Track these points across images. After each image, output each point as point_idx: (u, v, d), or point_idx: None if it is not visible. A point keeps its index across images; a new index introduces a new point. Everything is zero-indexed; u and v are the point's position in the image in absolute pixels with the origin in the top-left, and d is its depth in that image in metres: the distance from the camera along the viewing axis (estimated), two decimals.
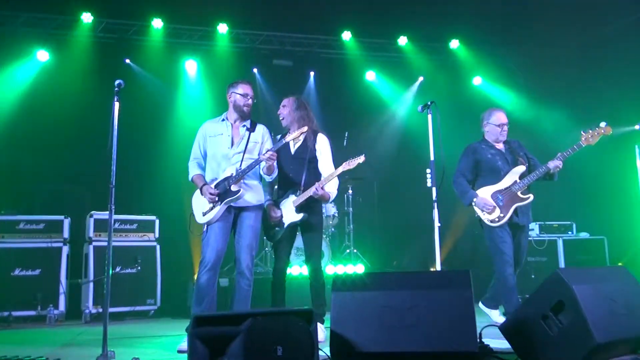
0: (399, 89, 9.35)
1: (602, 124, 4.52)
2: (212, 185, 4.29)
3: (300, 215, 4.45)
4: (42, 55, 7.64)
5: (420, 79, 9.30)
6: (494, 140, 4.92)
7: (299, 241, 6.53)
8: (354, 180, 7.62)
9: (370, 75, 9.23)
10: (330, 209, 7.25)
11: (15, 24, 7.51)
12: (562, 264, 7.05)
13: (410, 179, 8.23)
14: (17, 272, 5.80)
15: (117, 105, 3.77)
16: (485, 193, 4.77)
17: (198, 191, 4.38)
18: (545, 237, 7.14)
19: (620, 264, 7.26)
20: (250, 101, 4.40)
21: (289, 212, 4.49)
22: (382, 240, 8.48)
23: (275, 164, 4.29)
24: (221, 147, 4.35)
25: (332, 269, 6.89)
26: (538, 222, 7.23)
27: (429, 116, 4.45)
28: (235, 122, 4.44)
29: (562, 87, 8.12)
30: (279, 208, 4.54)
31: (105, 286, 3.57)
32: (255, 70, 8.83)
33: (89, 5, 7.59)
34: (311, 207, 4.50)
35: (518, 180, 4.70)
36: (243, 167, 4.24)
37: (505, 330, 3.23)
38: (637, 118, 4.88)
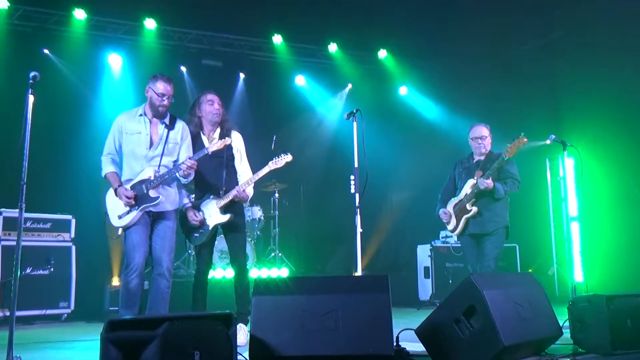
0: (328, 95, 9.48)
1: (521, 135, 4.70)
2: (129, 187, 4.12)
3: (227, 216, 4.38)
4: None
5: (349, 86, 9.46)
6: (476, 154, 5.03)
7: (222, 244, 6.45)
8: (281, 183, 7.64)
9: (300, 80, 9.29)
10: (256, 212, 7.23)
11: None
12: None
13: (336, 184, 8.34)
14: None
15: (31, 98, 3.57)
16: (449, 205, 5.02)
17: (112, 191, 4.18)
18: None
19: (530, 270, 7.70)
20: (166, 102, 4.17)
21: (212, 213, 4.41)
22: (308, 245, 8.54)
23: (192, 174, 4.19)
24: (139, 147, 4.16)
25: (256, 272, 6.85)
26: None
27: (354, 124, 4.52)
28: (153, 117, 4.25)
29: (479, 101, 8.52)
30: (200, 210, 4.44)
31: (12, 288, 3.37)
32: (183, 68, 8.65)
33: None
34: (235, 207, 4.46)
35: (468, 193, 4.84)
36: (161, 170, 4.12)
37: (421, 333, 3.34)
38: (547, 133, 5.22)
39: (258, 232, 7.54)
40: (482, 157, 4.98)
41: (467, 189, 4.88)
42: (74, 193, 6.94)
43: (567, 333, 3.67)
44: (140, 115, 4.24)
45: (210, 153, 4.19)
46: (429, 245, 7.41)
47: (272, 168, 4.41)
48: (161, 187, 4.14)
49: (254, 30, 8.59)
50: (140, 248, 4.06)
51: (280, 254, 7.57)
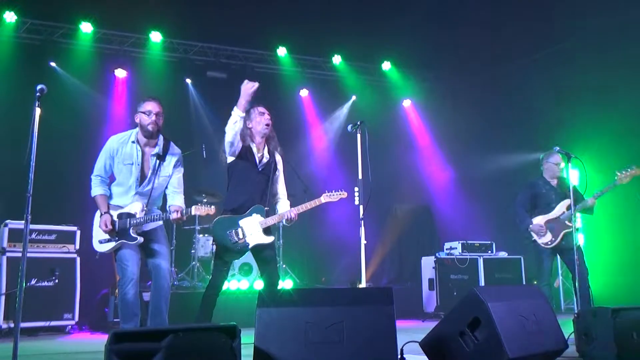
0: (332, 107, 9.51)
1: (634, 166, 5.19)
2: (115, 215, 4.12)
3: (271, 238, 4.29)
4: None
5: (353, 98, 9.50)
6: (550, 177, 5.65)
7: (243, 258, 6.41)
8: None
9: (304, 92, 9.32)
10: None
11: None
12: (482, 282, 7.33)
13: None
14: None
15: (38, 111, 3.61)
16: (539, 220, 5.53)
17: (97, 214, 4.19)
18: (467, 255, 7.42)
19: (535, 282, 7.65)
20: (154, 117, 4.14)
21: (255, 232, 4.25)
22: (312, 256, 8.53)
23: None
24: (129, 180, 4.16)
25: (260, 284, 6.83)
26: (461, 241, 7.51)
27: (358, 135, 4.53)
28: (145, 147, 4.21)
29: (481, 112, 8.54)
30: (238, 227, 4.25)
31: (17, 299, 3.38)
32: (188, 80, 8.71)
33: (13, 4, 7.27)
34: (271, 230, 4.39)
35: (565, 211, 5.44)
36: (149, 207, 4.17)
37: (425, 346, 3.32)
38: (551, 144, 5.29)
39: None
40: (556, 180, 5.63)
41: (562, 207, 5.49)
42: (79, 204, 6.93)
43: (572, 346, 3.65)
44: (133, 142, 4.21)
45: (194, 214, 4.15)
46: (434, 257, 7.39)
47: (324, 202, 4.38)
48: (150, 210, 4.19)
49: (259, 43, 8.66)
50: (133, 257, 4.06)
51: (284, 266, 7.54)
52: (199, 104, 8.74)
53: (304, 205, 4.42)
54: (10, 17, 7.29)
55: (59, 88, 7.39)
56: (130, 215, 4.10)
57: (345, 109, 9.53)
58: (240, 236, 4.23)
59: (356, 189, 4.39)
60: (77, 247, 6.20)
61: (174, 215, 4.09)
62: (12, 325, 5.52)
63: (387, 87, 9.47)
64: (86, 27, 7.70)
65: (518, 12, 7.52)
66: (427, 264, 7.52)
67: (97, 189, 4.21)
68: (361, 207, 4.35)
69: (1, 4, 7.19)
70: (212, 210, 4.20)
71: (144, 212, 4.14)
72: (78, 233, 6.23)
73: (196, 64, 8.66)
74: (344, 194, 4.42)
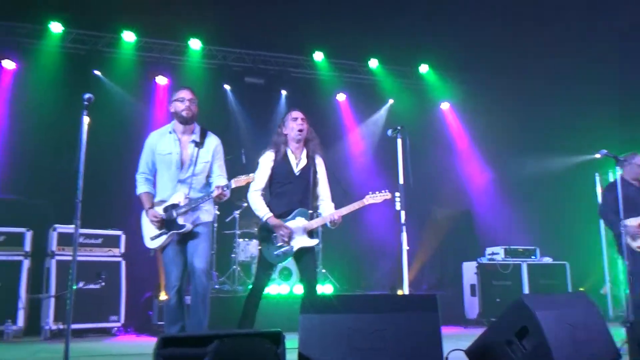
0: (370, 111, 9.47)
1: None
2: (161, 209, 4.13)
3: (315, 241, 4.32)
4: (9, 65, 7.50)
5: (390, 101, 9.44)
6: (632, 178, 5.67)
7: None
8: None
9: (341, 97, 9.33)
10: None
11: None
12: (525, 288, 7.16)
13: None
14: None
15: (86, 119, 3.72)
16: (633, 222, 5.42)
17: (144, 212, 4.22)
18: (510, 261, 7.27)
19: (582, 289, 7.44)
20: (187, 103, 4.14)
21: (299, 235, 4.29)
22: (351, 261, 8.50)
23: (228, 192, 4.14)
24: (170, 169, 4.16)
25: (300, 288, 6.85)
26: (503, 246, 7.36)
27: (399, 140, 4.49)
28: (183, 135, 4.21)
29: (522, 115, 8.37)
30: (287, 227, 4.30)
31: (67, 301, 3.48)
32: (226, 87, 8.82)
33: (59, 15, 7.50)
34: (317, 233, 4.47)
35: None
36: (192, 194, 4.11)
37: (471, 354, 3.27)
38: (596, 147, 5.14)
39: None
40: (637, 183, 5.67)
41: None
42: (123, 209, 7.10)
43: (625, 356, 3.53)
44: (170, 132, 4.23)
45: (233, 186, 4.08)
46: (475, 262, 7.26)
47: (368, 203, 4.36)
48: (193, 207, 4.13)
49: (295, 48, 8.70)
50: (176, 262, 4.07)
51: (323, 270, 7.54)
52: (237, 109, 8.84)
53: (347, 207, 4.39)
54: (56, 27, 7.53)
55: (103, 96, 7.57)
56: (174, 206, 4.09)
57: (382, 112, 9.48)
58: (286, 239, 4.26)
59: (397, 194, 4.35)
60: (122, 250, 6.35)
61: (215, 193, 4.02)
62: (61, 326, 5.70)
63: (425, 90, 9.38)
64: (128, 36, 7.90)
65: (559, 12, 7.35)
66: (469, 269, 7.40)
67: (141, 187, 4.25)
68: (402, 212, 4.31)
69: (48, 15, 7.43)
70: (251, 177, 4.13)
71: (187, 199, 4.10)
72: (123, 237, 6.39)
73: (234, 70, 8.76)
74: (388, 195, 4.37)
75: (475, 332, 3.38)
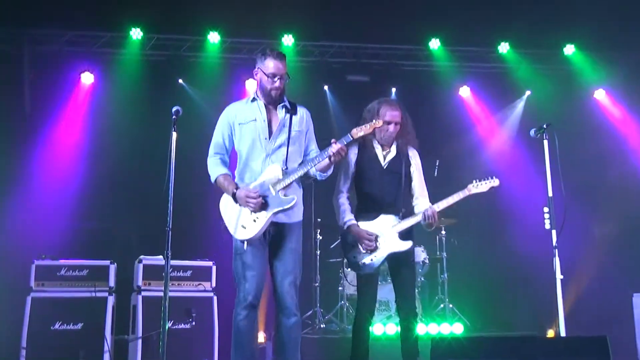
0: (501, 106, 9.27)
1: None
2: (251, 187, 3.96)
3: (409, 244, 4.29)
4: (87, 78, 8.16)
5: (528, 92, 9.18)
6: None
7: (379, 293, 6.48)
8: (448, 218, 7.51)
9: (465, 91, 9.18)
10: (419, 254, 7.17)
11: (60, 43, 8.06)
12: None
13: (519, 218, 8.06)
14: (57, 325, 6.03)
15: (174, 135, 3.94)
16: None
17: (227, 198, 4.06)
18: None
19: None
20: (278, 83, 4.02)
21: (388, 238, 4.31)
22: (485, 294, 8.26)
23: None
24: (256, 139, 4.02)
25: (423, 328, 6.77)
26: None
27: (545, 142, 4.36)
28: (269, 103, 4.12)
29: None
30: (370, 234, 4.35)
31: (160, 344, 3.67)
32: (326, 87, 8.99)
33: (137, 19, 8.03)
34: (411, 235, 4.39)
35: None
36: (291, 165, 3.97)
37: None
38: None
39: (422, 278, 7.47)
40: None
41: None
42: (212, 236, 7.42)
43: None
44: (253, 100, 4.13)
45: (353, 138, 3.97)
46: None
47: (472, 193, 4.33)
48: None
49: (406, 36, 8.68)
50: (253, 271, 3.92)
51: (450, 305, 7.41)
52: (339, 113, 8.96)
53: (446, 199, 4.34)
54: (136, 34, 8.09)
55: (189, 106, 7.95)
56: (269, 182, 3.94)
57: (518, 107, 9.22)
58: (370, 249, 4.28)
59: (546, 209, 4.22)
60: (214, 284, 6.58)
61: (333, 148, 3.84)
62: None
63: (572, 76, 8.98)
64: (213, 37, 8.29)
65: None
66: None
67: (217, 169, 4.10)
68: (553, 232, 4.17)
69: (125, 21, 7.99)
70: (378, 123, 3.99)
71: (285, 175, 3.95)
72: (214, 269, 6.62)
73: (334, 68, 8.91)
74: (496, 182, 4.28)
75: None
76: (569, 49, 8.87)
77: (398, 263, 4.40)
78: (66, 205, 7.60)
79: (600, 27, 8.01)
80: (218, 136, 4.18)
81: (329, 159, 3.90)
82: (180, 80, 8.44)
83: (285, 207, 3.90)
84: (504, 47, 8.84)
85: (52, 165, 7.70)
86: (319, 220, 7.53)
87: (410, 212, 4.42)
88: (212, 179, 4.15)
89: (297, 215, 4.09)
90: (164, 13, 7.82)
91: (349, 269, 7.34)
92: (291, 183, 3.94)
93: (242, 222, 3.95)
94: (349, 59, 8.87)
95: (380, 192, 4.43)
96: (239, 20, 7.96)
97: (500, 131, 9.22)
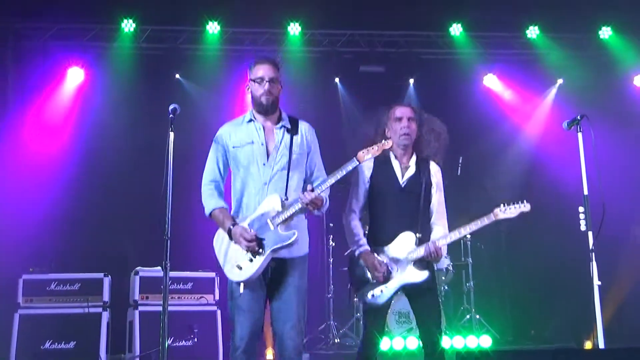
0: (530, 96, 9.25)
1: None
2: (246, 224, 3.87)
3: (425, 274, 4.21)
4: (75, 74, 8.19)
5: (560, 81, 9.15)
6: None
7: (400, 304, 6.43)
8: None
9: (490, 80, 9.18)
10: (442, 261, 7.17)
11: (46, 37, 8.11)
12: None
13: (552, 219, 8.02)
14: (47, 345, 6.06)
15: (171, 135, 3.96)
16: None
17: (222, 233, 3.99)
18: None
19: None
20: (267, 86, 3.94)
21: (402, 267, 4.26)
22: (514, 303, 8.26)
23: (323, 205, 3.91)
24: (253, 164, 3.94)
25: (447, 341, 6.76)
26: None
27: (579, 135, 4.34)
28: (266, 122, 4.05)
29: None
30: (383, 265, 4.29)
31: None
32: (337, 80, 8.99)
33: (129, 10, 8.07)
34: (432, 263, 4.32)
35: None
36: (291, 196, 3.87)
37: None
38: None
39: (446, 287, 7.47)
40: None
41: None
42: (212, 245, 7.44)
43: None
44: (249, 121, 4.07)
45: (360, 162, 3.89)
46: None
47: (500, 218, 4.22)
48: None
49: (424, 22, 8.68)
50: (249, 315, 3.85)
51: (477, 316, 7.42)
52: (351, 107, 8.96)
53: (467, 226, 4.21)
54: (128, 26, 8.11)
55: (188, 104, 7.97)
56: (266, 215, 3.85)
57: (549, 96, 9.20)
58: (381, 280, 4.21)
59: (581, 209, 4.19)
60: (217, 297, 6.60)
61: (306, 197, 3.74)
62: None
63: (609, 61, 8.94)
64: (213, 27, 8.31)
65: None
66: None
67: (211, 201, 4.04)
68: (590, 234, 4.14)
69: (117, 12, 8.01)
70: (386, 144, 3.92)
71: (284, 206, 3.84)
72: (217, 280, 6.62)
73: (345, 58, 8.90)
74: (527, 207, 4.17)
75: None
76: (605, 32, 8.84)
77: (415, 293, 4.32)
78: (55, 213, 7.62)
79: (639, 6, 7.98)
80: (212, 162, 4.11)
81: (301, 205, 3.80)
82: (178, 75, 8.47)
83: (285, 244, 3.80)
84: (532, 32, 8.83)
85: (40, 170, 7.69)
86: (331, 225, 7.53)
87: (427, 237, 4.32)
88: (207, 212, 4.07)
89: (301, 249, 3.97)
90: (158, 2, 7.86)
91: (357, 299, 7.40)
92: (292, 217, 3.83)
93: (237, 262, 3.87)
94: (362, 48, 8.87)
95: (397, 214, 4.34)
96: (240, 8, 7.99)
97: (529, 124, 9.18)
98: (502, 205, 4.19)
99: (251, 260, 3.81)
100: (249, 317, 3.83)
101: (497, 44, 9.01)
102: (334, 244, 7.64)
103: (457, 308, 7.73)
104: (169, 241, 3.85)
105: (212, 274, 6.66)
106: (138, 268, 6.43)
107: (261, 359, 6.77)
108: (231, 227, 3.87)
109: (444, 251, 4.29)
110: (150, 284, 6.34)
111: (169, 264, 3.88)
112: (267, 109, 4.01)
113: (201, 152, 7.83)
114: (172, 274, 6.35)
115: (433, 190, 4.43)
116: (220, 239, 4.01)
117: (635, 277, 7.88)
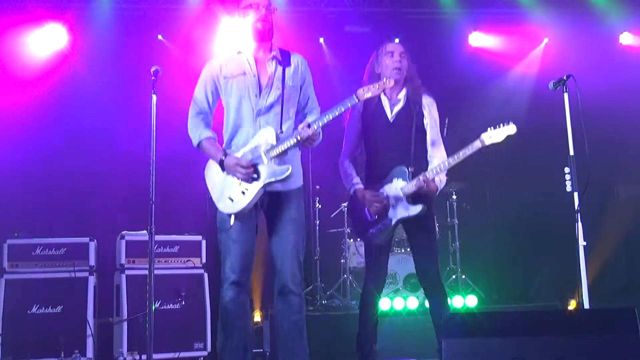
0: (516, 56, 9.22)
1: None
2: (240, 155, 3.85)
3: (418, 208, 4.20)
4: (50, 32, 7.94)
5: (545, 40, 9.14)
6: None
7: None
8: (458, 182, 7.54)
9: (476, 39, 9.15)
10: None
11: None
12: None
13: (538, 180, 8.06)
14: (34, 309, 6.07)
15: (154, 98, 3.92)
16: None
17: (213, 165, 3.95)
18: None
19: None
20: (263, 11, 3.87)
21: (396, 202, 4.27)
22: (499, 263, 8.35)
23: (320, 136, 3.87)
24: (245, 96, 3.89)
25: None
26: None
27: (565, 95, 4.34)
28: (257, 53, 3.98)
29: None
30: (378, 196, 4.32)
31: (147, 326, 3.69)
32: (321, 40, 8.91)
33: None
34: (427, 198, 4.29)
35: None
36: (285, 129, 3.84)
37: None
38: None
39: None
40: None
41: None
42: (200, 208, 7.41)
43: None
44: (239, 52, 3.99)
45: (360, 100, 3.85)
46: None
47: (486, 145, 4.22)
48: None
49: None
50: (240, 245, 3.83)
51: (463, 277, 7.50)
52: (336, 68, 8.90)
53: (455, 155, 4.23)
54: None
55: (170, 65, 7.82)
56: (260, 147, 3.83)
57: (535, 57, 9.18)
58: (378, 212, 4.27)
59: (566, 169, 4.21)
60: (204, 260, 6.60)
61: (303, 132, 3.74)
62: (137, 357, 6.07)
63: (595, 19, 8.89)
64: None
65: None
66: None
67: (199, 132, 3.97)
68: (575, 194, 4.17)
69: None
70: (388, 83, 3.86)
71: (279, 139, 3.83)
72: (204, 243, 6.63)
73: (329, 18, 8.82)
74: (512, 128, 4.20)
75: None
76: None
77: (412, 228, 4.39)
78: (38, 178, 7.56)
79: None
80: (200, 93, 4.04)
81: (297, 140, 3.77)
82: (160, 36, 8.33)
83: (279, 178, 3.78)
84: None
85: (20, 133, 7.54)
86: (317, 187, 7.54)
87: (422, 171, 4.30)
88: (195, 143, 4.02)
89: (296, 182, 3.95)
90: None
91: (352, 240, 7.43)
92: (286, 150, 3.80)
93: (229, 194, 3.83)
94: (346, 7, 8.77)
95: (388, 150, 4.38)
96: None
97: (515, 84, 9.16)
98: (489, 129, 4.20)
99: (244, 193, 3.78)
100: (240, 247, 3.81)
101: (483, 3, 8.93)
102: (320, 206, 7.67)
103: (443, 269, 7.78)
104: (153, 205, 3.83)
105: (198, 237, 6.65)
106: (124, 232, 6.41)
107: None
108: (223, 157, 3.84)
109: (442, 182, 4.33)
110: (137, 248, 6.32)
111: (154, 228, 3.88)
112: (264, 35, 3.94)
113: (185, 115, 7.82)
114: (158, 237, 6.38)
115: (426, 122, 4.42)
116: (210, 170, 3.99)
117: (619, 237, 7.97)
